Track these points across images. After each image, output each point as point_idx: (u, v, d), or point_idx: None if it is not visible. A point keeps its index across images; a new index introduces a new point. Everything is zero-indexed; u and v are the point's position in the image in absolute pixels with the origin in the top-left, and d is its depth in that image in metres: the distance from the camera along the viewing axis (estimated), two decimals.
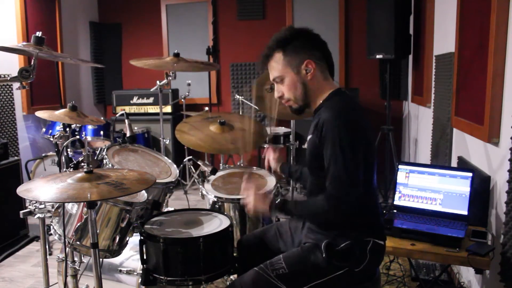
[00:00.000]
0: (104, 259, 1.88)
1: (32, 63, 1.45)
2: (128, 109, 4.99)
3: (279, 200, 1.55)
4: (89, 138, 3.74)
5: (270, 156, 2.00)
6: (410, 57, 4.08)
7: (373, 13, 3.75)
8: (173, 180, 2.16)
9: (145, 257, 1.68)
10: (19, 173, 3.39)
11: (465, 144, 2.43)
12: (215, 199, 2.17)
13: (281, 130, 4.43)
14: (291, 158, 3.79)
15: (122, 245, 1.78)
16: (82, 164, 1.73)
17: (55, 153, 3.36)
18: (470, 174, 2.03)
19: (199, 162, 2.45)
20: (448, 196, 2.08)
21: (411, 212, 2.14)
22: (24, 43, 1.72)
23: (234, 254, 1.80)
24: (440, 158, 2.90)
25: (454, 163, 2.63)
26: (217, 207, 2.16)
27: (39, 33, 1.70)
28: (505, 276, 1.75)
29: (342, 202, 1.40)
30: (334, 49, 1.63)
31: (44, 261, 2.03)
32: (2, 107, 3.82)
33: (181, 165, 2.44)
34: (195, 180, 4.62)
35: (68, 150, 2.54)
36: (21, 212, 1.90)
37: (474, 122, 2.22)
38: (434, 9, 3.28)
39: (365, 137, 1.47)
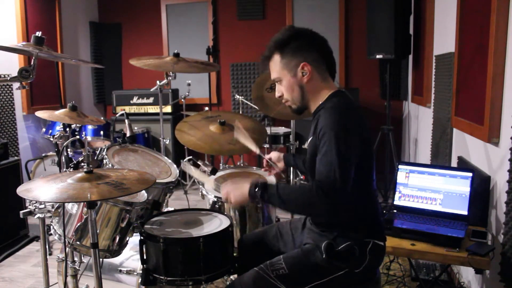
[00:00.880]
0: (104, 259, 1.88)
1: (32, 63, 1.45)
2: (128, 109, 4.99)
3: (260, 184, 1.45)
4: (89, 138, 3.74)
5: (272, 156, 1.98)
6: (410, 57, 4.08)
7: (373, 13, 3.75)
8: (173, 180, 2.16)
9: (145, 257, 1.67)
10: (19, 173, 3.39)
11: (465, 144, 2.43)
12: (215, 199, 2.17)
13: (281, 130, 4.43)
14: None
15: (122, 245, 1.78)
16: (82, 164, 1.73)
17: (55, 153, 3.36)
18: (470, 174, 2.03)
19: (199, 162, 2.45)
20: (448, 196, 2.08)
21: (411, 212, 2.14)
22: (24, 43, 1.72)
23: (234, 254, 1.80)
24: (440, 158, 2.90)
25: (454, 163, 2.63)
26: (217, 207, 2.16)
27: (39, 33, 1.70)
28: (505, 276, 1.75)
29: (330, 191, 1.33)
30: (334, 49, 1.61)
31: (44, 261, 2.03)
32: (2, 107, 3.82)
33: (181, 165, 2.44)
34: (195, 180, 4.62)
35: (68, 150, 2.55)
36: (21, 212, 1.89)
37: (474, 122, 2.21)
38: (434, 9, 3.28)
39: (362, 139, 1.45)
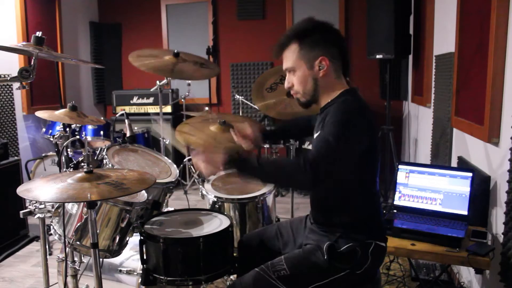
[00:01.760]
0: (104, 259, 1.88)
1: (32, 63, 1.45)
2: (128, 109, 4.99)
3: (237, 153, 1.42)
4: (89, 138, 3.74)
5: (247, 131, 1.84)
6: (410, 57, 4.08)
7: (373, 13, 3.75)
8: (173, 180, 2.16)
9: (145, 257, 1.67)
10: (19, 173, 3.39)
11: (465, 144, 2.43)
12: (215, 199, 2.17)
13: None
14: (291, 158, 3.78)
15: (122, 245, 1.78)
16: (82, 164, 1.73)
17: (55, 153, 3.36)
18: (470, 174, 2.03)
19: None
20: (448, 196, 2.08)
21: (411, 212, 2.14)
22: (24, 43, 1.72)
23: (234, 254, 1.80)
24: (440, 158, 2.90)
25: (454, 163, 2.63)
26: (217, 207, 2.16)
27: (39, 33, 1.70)
28: (505, 276, 1.75)
29: (313, 163, 1.32)
30: None
31: (44, 261, 2.03)
32: (2, 107, 3.82)
33: (181, 165, 2.44)
34: (195, 180, 4.62)
35: (68, 150, 2.54)
36: (21, 212, 1.90)
37: (474, 122, 2.21)
38: (434, 9, 3.28)
39: (366, 140, 1.43)
